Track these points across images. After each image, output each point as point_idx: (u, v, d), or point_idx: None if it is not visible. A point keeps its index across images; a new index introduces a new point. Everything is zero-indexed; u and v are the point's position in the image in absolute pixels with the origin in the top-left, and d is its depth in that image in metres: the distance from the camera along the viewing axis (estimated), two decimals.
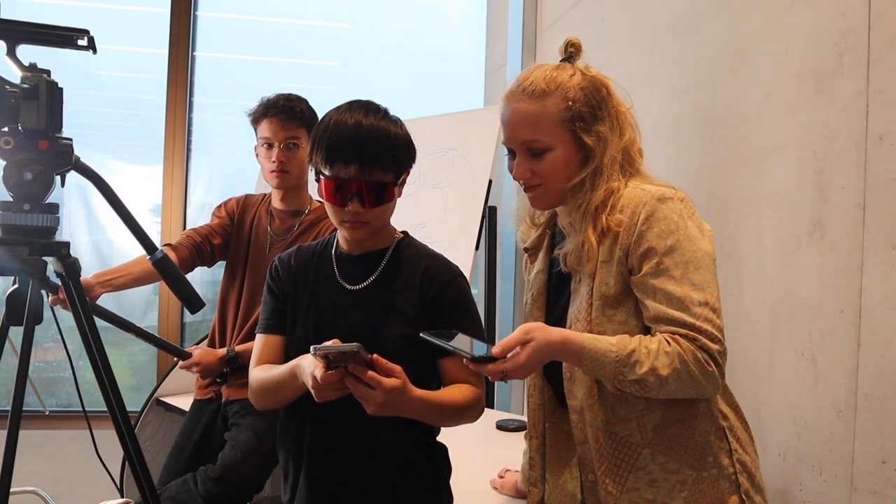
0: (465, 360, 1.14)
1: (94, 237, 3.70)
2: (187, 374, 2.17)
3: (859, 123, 1.51)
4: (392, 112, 1.36)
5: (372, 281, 1.36)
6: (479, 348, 1.17)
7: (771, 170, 1.77)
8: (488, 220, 2.77)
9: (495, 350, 1.12)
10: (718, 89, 2.05)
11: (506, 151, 1.34)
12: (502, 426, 2.28)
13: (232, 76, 3.77)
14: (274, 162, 2.04)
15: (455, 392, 1.31)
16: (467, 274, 2.65)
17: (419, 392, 1.22)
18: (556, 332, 1.15)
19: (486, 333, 2.81)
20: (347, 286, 1.36)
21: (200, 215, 3.56)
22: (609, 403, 1.23)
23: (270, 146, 2.06)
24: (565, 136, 1.25)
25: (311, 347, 1.13)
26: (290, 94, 2.09)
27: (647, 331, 1.21)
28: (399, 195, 1.37)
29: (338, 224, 1.35)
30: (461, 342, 1.18)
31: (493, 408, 2.80)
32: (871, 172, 1.48)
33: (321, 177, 1.32)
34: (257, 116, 2.08)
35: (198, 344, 2.30)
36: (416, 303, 1.33)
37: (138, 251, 1.62)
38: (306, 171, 2.09)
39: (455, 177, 2.83)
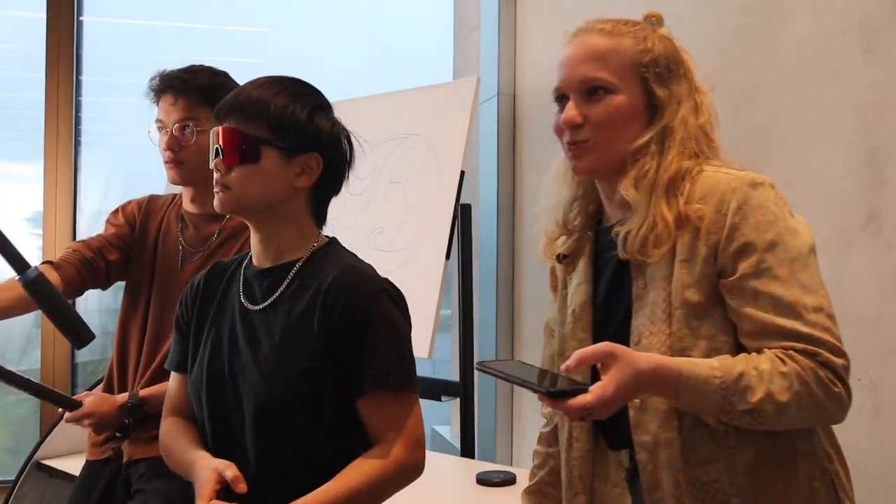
0: (538, 394, 1.13)
1: None
2: (77, 430, 2.09)
3: None
4: (341, 92, 1.42)
5: (274, 300, 1.38)
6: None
7: (812, 149, 1.76)
8: (461, 220, 2.75)
9: (570, 363, 1.12)
10: (744, 54, 2.04)
11: (560, 103, 1.32)
12: (484, 480, 2.25)
13: (133, 47, 3.72)
14: (165, 150, 2.00)
15: (354, 475, 1.30)
16: (436, 289, 2.63)
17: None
18: (644, 359, 1.14)
19: (463, 364, 2.80)
20: (249, 306, 1.39)
21: (97, 225, 3.48)
22: (689, 439, 1.22)
23: (164, 131, 2.02)
24: (633, 84, 1.27)
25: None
26: (193, 66, 2.05)
27: (738, 350, 1.21)
28: (293, 171, 1.37)
29: None
30: (528, 372, 1.19)
31: (473, 457, 2.78)
32: None
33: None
34: (153, 94, 2.04)
35: (90, 389, 2.23)
36: (317, 328, 1.33)
37: (10, 272, 1.55)
38: None
39: (418, 169, 2.79)
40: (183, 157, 1.99)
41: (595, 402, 1.09)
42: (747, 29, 2.02)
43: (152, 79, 2.03)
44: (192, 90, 1.98)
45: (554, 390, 1.10)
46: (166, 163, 2.01)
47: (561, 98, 1.31)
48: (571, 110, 1.27)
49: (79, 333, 1.46)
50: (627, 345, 1.23)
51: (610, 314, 1.32)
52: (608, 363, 1.12)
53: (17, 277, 1.42)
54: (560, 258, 1.41)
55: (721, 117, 2.14)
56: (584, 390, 1.09)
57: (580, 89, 1.28)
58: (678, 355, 1.19)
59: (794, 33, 1.85)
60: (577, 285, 1.37)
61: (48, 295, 1.44)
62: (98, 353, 3.54)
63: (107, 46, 3.62)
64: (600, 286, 1.35)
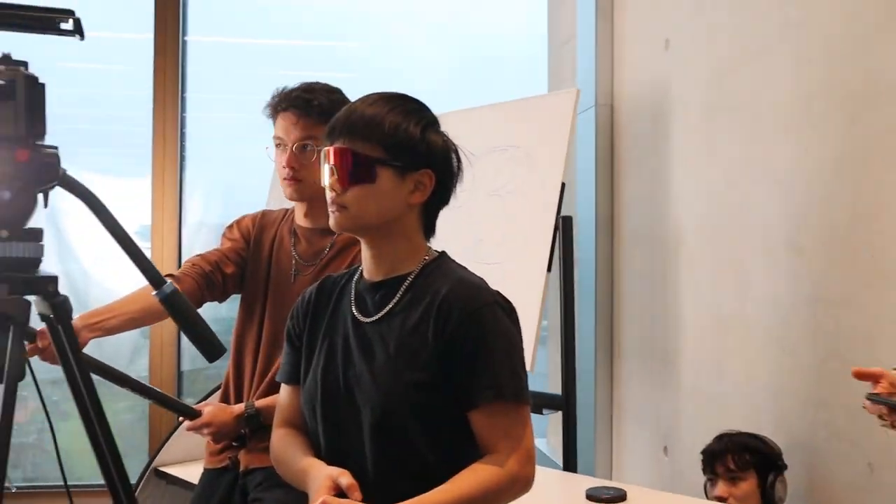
0: None
1: (65, 267, 3.74)
2: (192, 438, 2.15)
3: None
4: (432, 106, 1.42)
5: (387, 312, 1.40)
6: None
7: None
8: (562, 233, 2.73)
9: None
10: (862, 55, 1.98)
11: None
12: (593, 496, 2.20)
13: (234, 65, 3.80)
14: (285, 167, 2.04)
15: (470, 479, 1.30)
16: (536, 302, 2.61)
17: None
18: None
19: (565, 377, 2.78)
20: (361, 318, 1.42)
21: (198, 238, 3.58)
22: None
23: (284, 148, 2.07)
24: None
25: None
26: (311, 84, 2.08)
27: None
28: (409, 191, 1.39)
29: None
30: None
31: (575, 471, 2.75)
32: None
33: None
34: (271, 111, 2.09)
35: (206, 398, 2.29)
36: (431, 339, 1.34)
37: (122, 285, 1.59)
38: None
39: (518, 181, 2.79)
40: (302, 175, 2.04)
41: None
42: (868, 31, 1.96)
43: (273, 96, 2.08)
44: (313, 110, 2.02)
45: None
46: (285, 179, 2.05)
47: None
48: None
49: (212, 346, 1.50)
50: None
51: None
52: None
53: (154, 293, 1.47)
54: None
55: (837, 126, 2.10)
56: None
57: None
58: None
59: None
60: None
61: (183, 309, 1.48)
62: (202, 363, 3.64)
63: (207, 64, 3.71)
64: None
